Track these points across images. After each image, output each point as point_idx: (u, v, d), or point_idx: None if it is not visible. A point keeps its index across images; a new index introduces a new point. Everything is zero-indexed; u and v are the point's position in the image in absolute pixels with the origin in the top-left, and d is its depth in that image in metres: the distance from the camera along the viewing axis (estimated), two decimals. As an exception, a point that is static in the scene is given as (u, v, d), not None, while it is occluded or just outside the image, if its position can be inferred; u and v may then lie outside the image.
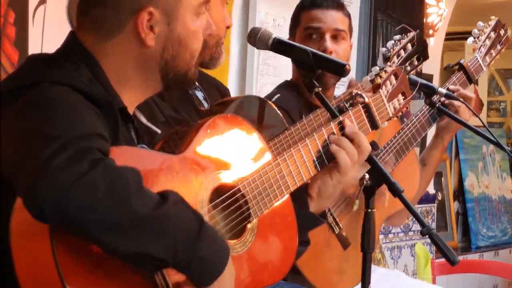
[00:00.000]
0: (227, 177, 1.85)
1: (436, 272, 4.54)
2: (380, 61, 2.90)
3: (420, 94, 3.11)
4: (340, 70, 2.15)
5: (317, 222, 2.17)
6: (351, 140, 2.06)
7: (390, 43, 2.84)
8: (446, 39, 6.01)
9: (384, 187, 2.08)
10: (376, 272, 3.06)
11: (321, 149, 2.05)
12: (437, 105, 3.01)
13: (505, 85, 9.65)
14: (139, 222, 1.54)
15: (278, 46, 2.18)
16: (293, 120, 2.76)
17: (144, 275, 1.63)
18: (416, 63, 2.90)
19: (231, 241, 1.84)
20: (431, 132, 3.29)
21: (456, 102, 3.03)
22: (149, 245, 1.55)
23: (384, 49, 2.83)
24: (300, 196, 2.10)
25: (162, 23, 1.78)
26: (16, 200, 1.57)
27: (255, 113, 2.33)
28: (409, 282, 3.42)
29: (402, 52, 2.84)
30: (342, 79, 3.23)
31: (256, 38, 2.19)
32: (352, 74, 3.96)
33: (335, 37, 2.94)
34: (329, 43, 2.91)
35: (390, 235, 5.62)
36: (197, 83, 2.45)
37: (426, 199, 5.95)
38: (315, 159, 2.04)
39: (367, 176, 2.09)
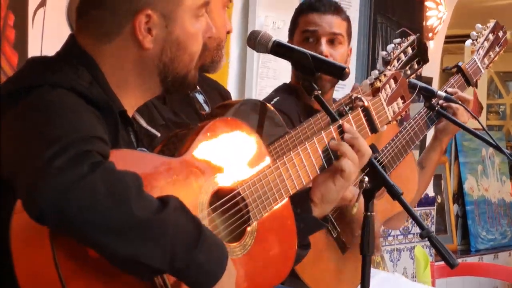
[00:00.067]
0: (227, 180, 1.85)
1: (435, 275, 4.54)
2: (379, 64, 2.90)
3: (419, 97, 3.11)
4: (339, 73, 2.15)
5: (319, 226, 2.17)
6: (351, 146, 2.06)
7: (390, 47, 2.84)
8: (445, 42, 6.01)
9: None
10: (378, 276, 3.05)
11: (321, 154, 2.05)
12: (436, 108, 3.02)
13: (504, 88, 9.65)
14: (138, 226, 1.54)
15: (278, 49, 2.19)
16: (292, 123, 2.76)
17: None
18: (416, 66, 2.90)
19: (231, 244, 1.84)
20: (430, 134, 3.29)
21: (454, 105, 3.04)
22: (145, 251, 1.54)
23: (384, 52, 2.83)
24: (303, 200, 2.10)
25: (160, 26, 1.78)
26: (17, 202, 1.57)
27: (256, 116, 2.33)
28: (409, 285, 3.42)
29: (402, 55, 2.84)
30: (342, 82, 3.23)
31: (255, 41, 2.19)
32: (351, 77, 3.96)
33: (332, 41, 2.95)
34: (324, 47, 2.92)
35: (390, 238, 5.62)
36: (198, 87, 2.45)
37: (426, 202, 5.95)
38: (315, 163, 2.04)
39: (366, 179, 2.09)
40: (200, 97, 2.47)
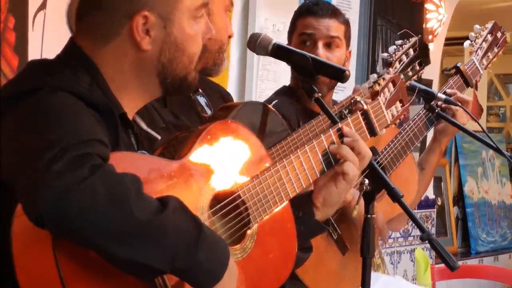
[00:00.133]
0: (227, 183, 1.85)
1: (435, 277, 4.54)
2: (380, 66, 2.90)
3: (419, 99, 3.11)
4: (340, 75, 2.15)
5: (321, 229, 2.17)
6: (351, 148, 2.06)
7: (392, 48, 2.83)
8: (445, 45, 6.02)
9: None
10: (380, 280, 3.05)
11: (320, 157, 2.05)
12: (436, 110, 3.02)
13: (504, 90, 9.66)
14: (138, 228, 1.54)
15: (278, 52, 2.19)
16: (290, 126, 2.76)
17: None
18: (418, 68, 2.89)
19: (231, 247, 1.83)
20: (430, 135, 3.29)
21: (453, 106, 3.04)
22: (146, 252, 1.54)
23: (385, 54, 2.82)
24: (305, 204, 2.10)
25: (158, 27, 1.78)
26: (17, 206, 1.57)
27: (258, 119, 2.33)
28: (409, 288, 3.42)
29: (404, 57, 2.84)
30: (342, 84, 3.23)
31: (256, 44, 2.20)
32: (351, 80, 3.96)
33: (329, 44, 2.96)
34: (321, 50, 2.93)
35: (390, 240, 5.62)
36: (200, 89, 2.45)
37: (426, 204, 5.95)
38: (314, 167, 2.04)
39: (366, 181, 2.09)
40: (202, 100, 2.47)
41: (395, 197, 2.02)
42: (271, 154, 2.34)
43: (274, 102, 2.89)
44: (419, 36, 2.95)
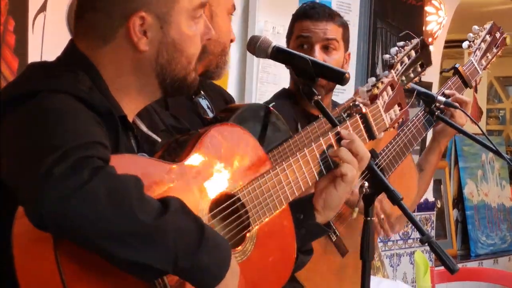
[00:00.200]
0: (226, 186, 1.85)
1: (435, 280, 4.54)
2: (380, 68, 2.90)
3: (419, 102, 3.11)
4: (339, 78, 2.15)
5: (322, 232, 2.17)
6: (350, 150, 2.06)
7: (393, 50, 2.82)
8: (445, 47, 6.02)
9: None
10: (381, 285, 3.05)
11: (319, 160, 2.05)
12: (436, 113, 3.02)
13: (504, 92, 9.66)
14: (140, 229, 1.54)
15: (278, 55, 2.19)
16: (288, 129, 2.76)
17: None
18: (419, 69, 2.89)
19: (231, 250, 1.83)
20: (430, 136, 3.29)
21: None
22: (149, 254, 1.55)
23: (387, 56, 2.82)
24: (306, 208, 2.09)
25: (155, 28, 1.77)
26: (18, 208, 1.57)
27: (260, 121, 2.33)
28: (409, 291, 3.42)
29: (405, 59, 2.83)
30: (341, 87, 3.23)
31: (255, 47, 2.20)
32: (351, 82, 3.97)
33: (326, 47, 2.97)
34: (318, 53, 2.94)
35: (389, 243, 5.62)
36: (202, 92, 2.45)
37: (425, 207, 5.94)
38: (314, 170, 2.04)
39: (366, 184, 2.09)
40: (204, 102, 2.47)
41: (395, 200, 2.02)
42: (272, 157, 2.34)
43: (271, 105, 2.89)
44: (421, 37, 2.94)
